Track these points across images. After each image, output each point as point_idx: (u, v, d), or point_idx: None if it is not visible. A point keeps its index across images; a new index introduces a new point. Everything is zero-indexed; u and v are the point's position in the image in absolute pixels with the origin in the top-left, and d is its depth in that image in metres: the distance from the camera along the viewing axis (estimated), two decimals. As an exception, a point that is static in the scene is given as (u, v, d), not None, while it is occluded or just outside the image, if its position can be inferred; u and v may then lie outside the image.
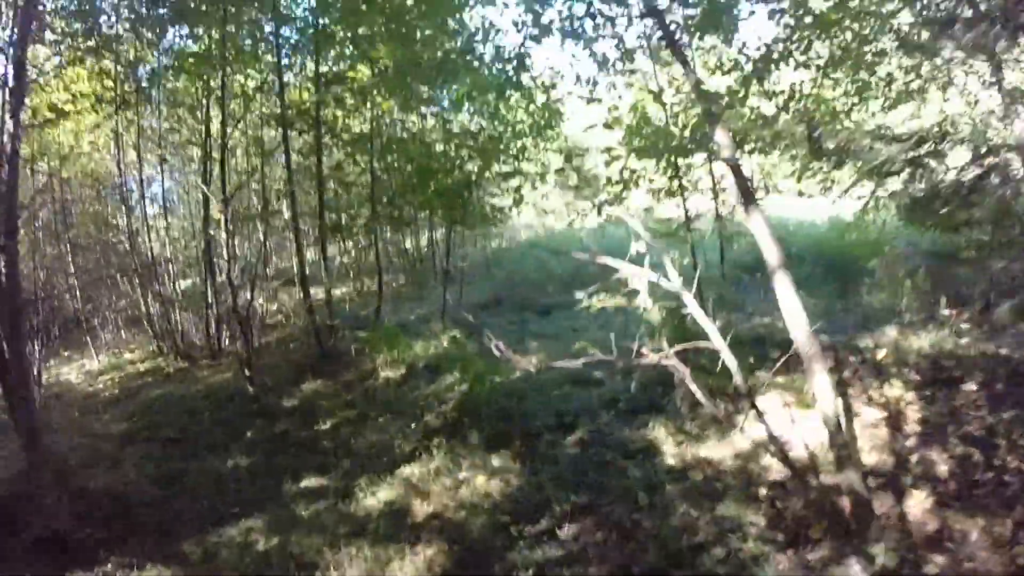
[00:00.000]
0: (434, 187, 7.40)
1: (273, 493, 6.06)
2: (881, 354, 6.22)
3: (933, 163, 5.36)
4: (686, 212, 9.74)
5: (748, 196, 4.49)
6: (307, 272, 9.35)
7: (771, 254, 4.39)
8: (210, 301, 10.02)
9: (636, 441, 6.14)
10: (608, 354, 5.57)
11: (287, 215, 9.37)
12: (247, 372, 7.93)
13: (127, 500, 5.96)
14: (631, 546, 4.85)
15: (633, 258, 5.26)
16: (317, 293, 10.30)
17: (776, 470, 5.29)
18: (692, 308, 4.95)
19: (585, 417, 6.74)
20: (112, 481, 6.37)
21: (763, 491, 5.11)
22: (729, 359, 4.80)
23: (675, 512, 5.08)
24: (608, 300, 5.25)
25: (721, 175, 9.44)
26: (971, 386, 5.65)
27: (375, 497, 5.79)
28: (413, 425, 7.08)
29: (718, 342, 4.76)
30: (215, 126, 9.40)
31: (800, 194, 9.46)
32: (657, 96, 8.95)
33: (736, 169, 4.67)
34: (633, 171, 9.10)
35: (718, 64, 8.15)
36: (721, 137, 4.71)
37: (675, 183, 9.44)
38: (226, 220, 7.68)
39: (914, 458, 5.16)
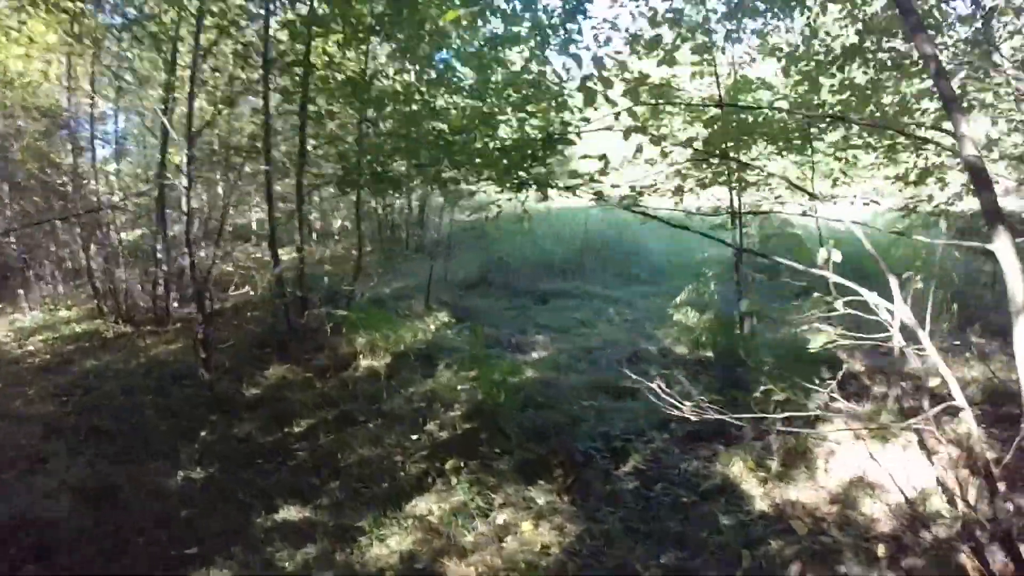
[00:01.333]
0: (498, 146, 5.85)
1: (240, 526, 4.40)
2: (934, 383, 4.95)
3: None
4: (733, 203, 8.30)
5: (995, 214, 2.99)
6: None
7: (1017, 291, 2.81)
8: (160, 258, 8.29)
9: (707, 476, 4.87)
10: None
11: (261, 166, 7.68)
12: (202, 353, 6.34)
13: (42, 530, 4.21)
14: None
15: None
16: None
17: (880, 518, 4.22)
18: (930, 352, 3.52)
19: (636, 440, 5.40)
20: (26, 495, 4.68)
21: (880, 548, 3.92)
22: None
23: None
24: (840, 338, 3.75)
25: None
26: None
27: (384, 545, 4.21)
28: (415, 437, 5.58)
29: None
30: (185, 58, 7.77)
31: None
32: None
33: (982, 175, 3.11)
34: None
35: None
36: (964, 128, 3.09)
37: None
38: (188, 163, 6.07)
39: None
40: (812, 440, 4.98)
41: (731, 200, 7.67)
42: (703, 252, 10.77)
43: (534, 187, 5.33)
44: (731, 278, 7.49)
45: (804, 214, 7.11)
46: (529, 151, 5.03)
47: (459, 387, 6.47)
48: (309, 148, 7.44)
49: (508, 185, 5.12)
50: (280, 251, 7.75)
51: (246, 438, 5.68)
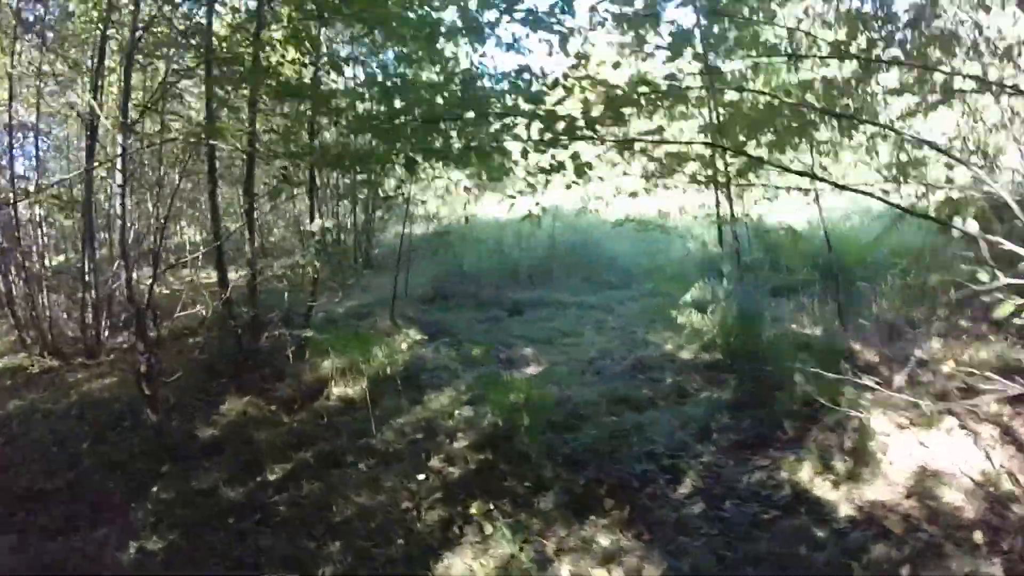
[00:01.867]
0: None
1: (224, 614, 3.36)
2: (948, 366, 5.16)
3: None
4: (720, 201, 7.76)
5: None
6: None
7: None
8: (88, 280, 6.91)
9: (776, 485, 4.27)
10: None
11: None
12: (146, 389, 5.11)
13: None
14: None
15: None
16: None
17: (961, 505, 3.88)
18: None
19: (685, 455, 4.68)
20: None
21: (977, 535, 3.59)
22: None
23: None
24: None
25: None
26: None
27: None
28: (421, 476, 4.59)
29: None
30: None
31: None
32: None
33: None
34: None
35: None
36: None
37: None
38: (122, 156, 4.85)
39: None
40: (866, 435, 4.56)
41: (729, 196, 7.26)
42: (669, 254, 10.36)
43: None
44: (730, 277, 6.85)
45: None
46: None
47: (456, 412, 5.55)
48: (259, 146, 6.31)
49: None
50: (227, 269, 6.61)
51: (210, 492, 4.50)
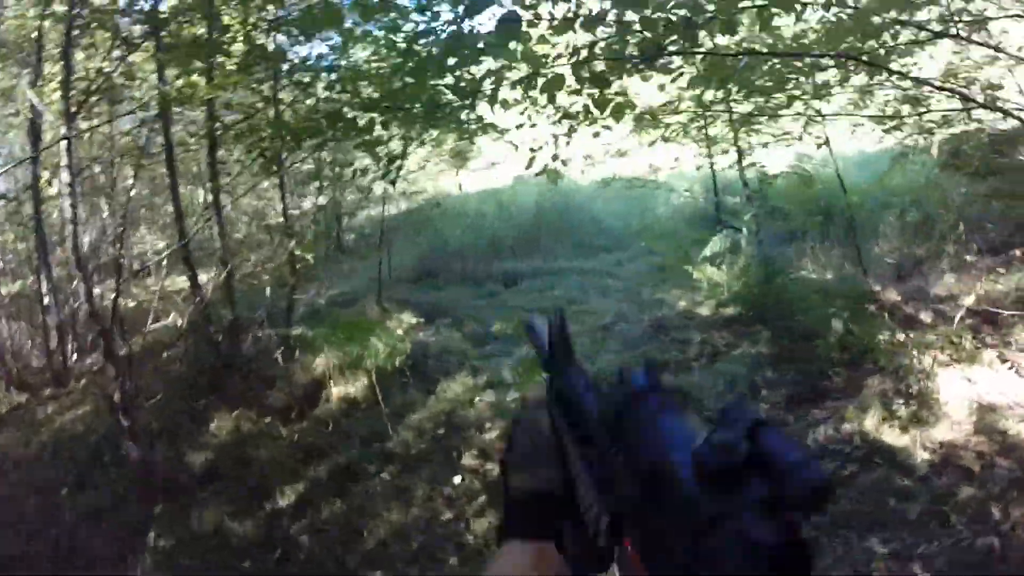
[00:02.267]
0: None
1: None
2: (969, 300, 5.09)
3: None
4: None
5: None
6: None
7: None
8: (47, 302, 6.00)
9: (845, 439, 4.01)
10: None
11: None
12: (123, 419, 4.35)
13: None
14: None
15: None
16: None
17: None
18: None
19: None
20: None
21: None
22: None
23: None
24: None
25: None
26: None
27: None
28: (458, 479, 4.03)
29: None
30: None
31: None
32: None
33: None
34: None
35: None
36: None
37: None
38: (68, 151, 4.05)
39: None
40: (920, 377, 4.37)
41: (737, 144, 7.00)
42: (655, 212, 9.95)
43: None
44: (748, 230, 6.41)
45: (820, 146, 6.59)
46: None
47: (477, 399, 4.98)
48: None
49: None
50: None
51: (215, 531, 3.86)
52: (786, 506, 0.42)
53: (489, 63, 3.65)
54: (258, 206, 8.39)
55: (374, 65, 4.71)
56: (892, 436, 3.96)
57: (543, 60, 3.36)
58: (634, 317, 6.36)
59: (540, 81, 3.33)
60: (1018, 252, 5.71)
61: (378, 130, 4.02)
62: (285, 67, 5.06)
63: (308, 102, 5.37)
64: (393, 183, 5.15)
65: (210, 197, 5.87)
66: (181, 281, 6.48)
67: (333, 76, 5.00)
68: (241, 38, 4.82)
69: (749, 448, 0.44)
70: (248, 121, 5.25)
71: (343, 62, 5.54)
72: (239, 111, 5.46)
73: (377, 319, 6.68)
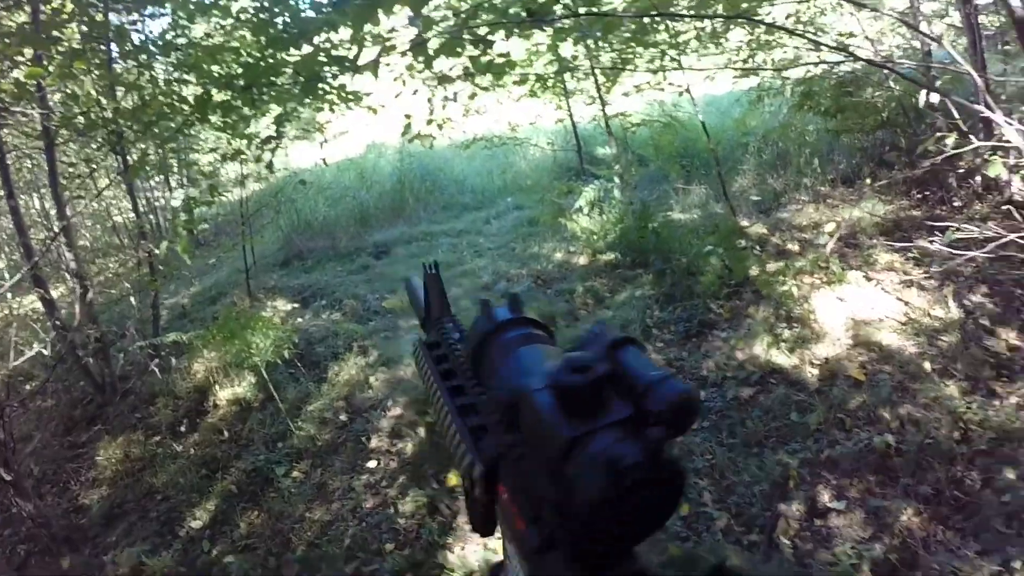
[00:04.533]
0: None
1: None
2: (831, 227, 5.46)
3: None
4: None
5: None
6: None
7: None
8: None
9: (738, 366, 4.30)
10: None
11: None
12: (2, 472, 3.85)
13: None
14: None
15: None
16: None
17: (900, 343, 4.16)
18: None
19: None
20: None
21: (926, 364, 3.89)
22: None
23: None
24: None
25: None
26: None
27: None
28: (373, 464, 3.94)
29: None
30: None
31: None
32: None
33: None
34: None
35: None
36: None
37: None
38: None
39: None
40: (796, 301, 4.73)
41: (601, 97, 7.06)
42: (517, 167, 10.09)
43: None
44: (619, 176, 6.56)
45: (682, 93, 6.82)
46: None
47: (371, 378, 4.88)
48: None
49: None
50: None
51: (135, 574, 3.61)
52: (649, 424, 0.42)
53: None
54: (98, 208, 7.74)
55: (225, 39, 4.44)
56: (781, 358, 4.27)
57: (433, 22, 3.27)
58: (513, 273, 6.41)
59: (434, 42, 3.24)
60: (868, 181, 6.12)
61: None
62: (127, 48, 4.65)
63: (149, 88, 4.98)
64: (270, 166, 4.86)
65: (47, 204, 5.34)
66: (28, 302, 5.93)
67: (178, 54, 4.66)
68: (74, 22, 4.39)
69: (607, 368, 0.44)
70: (90, 112, 4.80)
71: (182, 40, 5.17)
72: (78, 105, 4.98)
73: (251, 311, 6.39)
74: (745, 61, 6.74)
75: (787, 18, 6.31)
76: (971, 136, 4.28)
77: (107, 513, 4.12)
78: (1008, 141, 3.71)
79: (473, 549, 3.23)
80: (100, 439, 4.79)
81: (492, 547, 3.20)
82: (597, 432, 0.43)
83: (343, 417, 4.53)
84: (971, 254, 4.24)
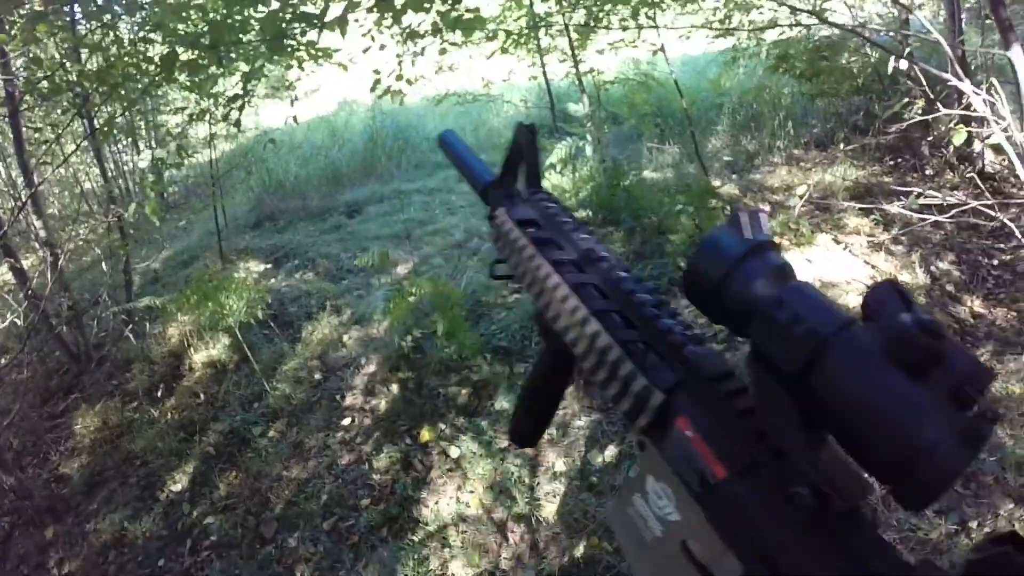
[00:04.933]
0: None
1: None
2: (802, 190, 5.58)
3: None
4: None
5: (1010, 27, 3.45)
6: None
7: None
8: None
9: (703, 320, 4.09)
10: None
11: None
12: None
13: None
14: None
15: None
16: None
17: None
18: None
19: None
20: None
21: None
22: None
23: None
24: None
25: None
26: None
27: None
28: (348, 421, 4.03)
29: None
30: None
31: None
32: None
33: None
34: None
35: None
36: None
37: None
38: None
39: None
40: None
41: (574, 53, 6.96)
42: (490, 125, 10.09)
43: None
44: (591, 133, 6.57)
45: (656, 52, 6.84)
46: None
47: (345, 337, 4.96)
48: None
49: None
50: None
51: (118, 540, 3.64)
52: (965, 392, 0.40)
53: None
54: (65, 174, 7.65)
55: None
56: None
57: None
58: (486, 231, 6.43)
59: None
60: (841, 145, 6.24)
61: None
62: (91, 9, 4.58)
63: (114, 49, 4.90)
64: (237, 124, 4.84)
65: (14, 173, 5.29)
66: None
67: (143, 13, 4.59)
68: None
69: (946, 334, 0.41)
70: (55, 76, 4.73)
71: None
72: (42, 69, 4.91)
73: (224, 273, 6.39)
74: (722, 21, 6.76)
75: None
76: (938, 104, 4.39)
77: (88, 481, 4.18)
78: (975, 111, 3.81)
79: (446, 503, 3.34)
80: (77, 408, 4.82)
81: (464, 500, 3.32)
82: (944, 400, 0.40)
83: (317, 376, 4.60)
84: (933, 219, 4.39)
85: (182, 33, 4.21)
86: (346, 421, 4.09)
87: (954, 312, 4.10)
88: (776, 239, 4.42)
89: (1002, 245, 4.55)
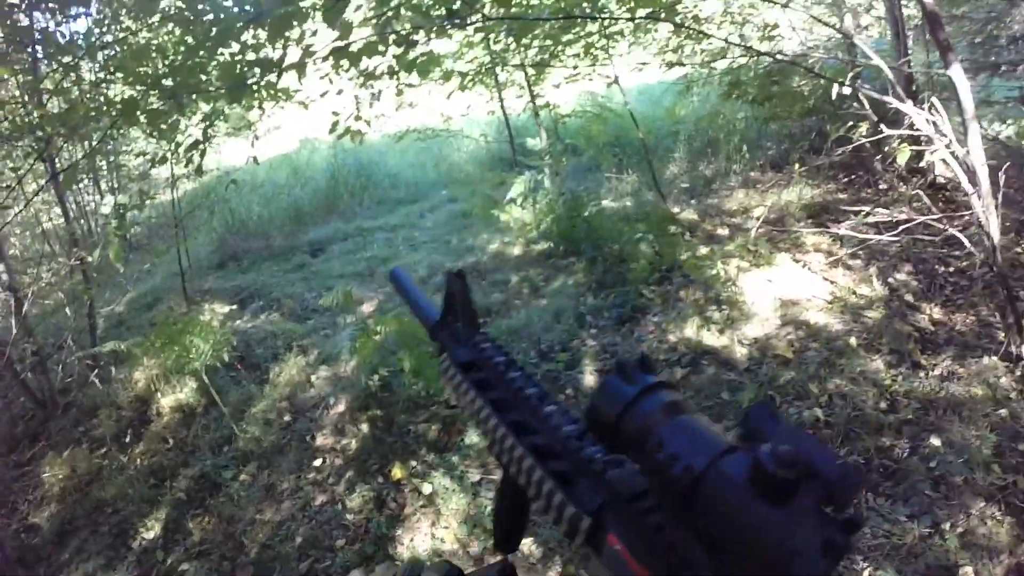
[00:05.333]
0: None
1: None
2: (760, 212, 5.78)
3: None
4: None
5: (948, 47, 3.61)
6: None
7: (968, 104, 3.57)
8: None
9: (670, 348, 4.48)
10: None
11: None
12: None
13: None
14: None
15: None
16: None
17: (829, 322, 4.40)
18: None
19: (572, 347, 4.72)
20: None
21: (852, 341, 4.11)
22: None
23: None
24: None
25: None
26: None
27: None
28: (319, 462, 4.08)
29: None
30: None
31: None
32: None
33: (936, 17, 3.72)
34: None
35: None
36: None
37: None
38: None
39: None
40: (725, 284, 4.94)
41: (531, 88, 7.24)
42: (450, 160, 10.22)
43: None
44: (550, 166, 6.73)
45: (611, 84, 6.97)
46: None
47: (313, 377, 5.02)
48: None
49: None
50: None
51: None
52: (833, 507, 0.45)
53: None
54: (27, 215, 7.59)
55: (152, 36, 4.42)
56: (712, 339, 4.47)
57: (352, 27, 3.35)
58: (449, 266, 6.52)
59: (354, 47, 3.35)
60: (796, 166, 6.41)
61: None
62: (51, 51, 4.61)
63: (75, 90, 4.95)
64: (199, 170, 4.90)
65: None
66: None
67: (105, 54, 4.62)
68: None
69: (807, 464, 0.45)
70: (15, 118, 4.76)
71: (109, 37, 5.14)
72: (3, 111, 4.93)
73: (189, 315, 6.39)
74: (674, 51, 6.96)
75: (719, 16, 6.63)
76: (882, 126, 4.60)
77: (58, 531, 4.16)
78: (919, 129, 4.02)
79: (421, 540, 3.40)
80: (44, 456, 4.79)
81: (439, 536, 3.39)
82: (804, 517, 0.44)
83: (287, 418, 4.64)
84: (878, 238, 4.57)
85: (144, 75, 4.27)
86: (317, 462, 4.13)
87: (914, 321, 4.24)
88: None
89: (957, 252, 4.69)
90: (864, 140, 5.19)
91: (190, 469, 4.33)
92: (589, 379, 4.32)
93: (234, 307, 6.50)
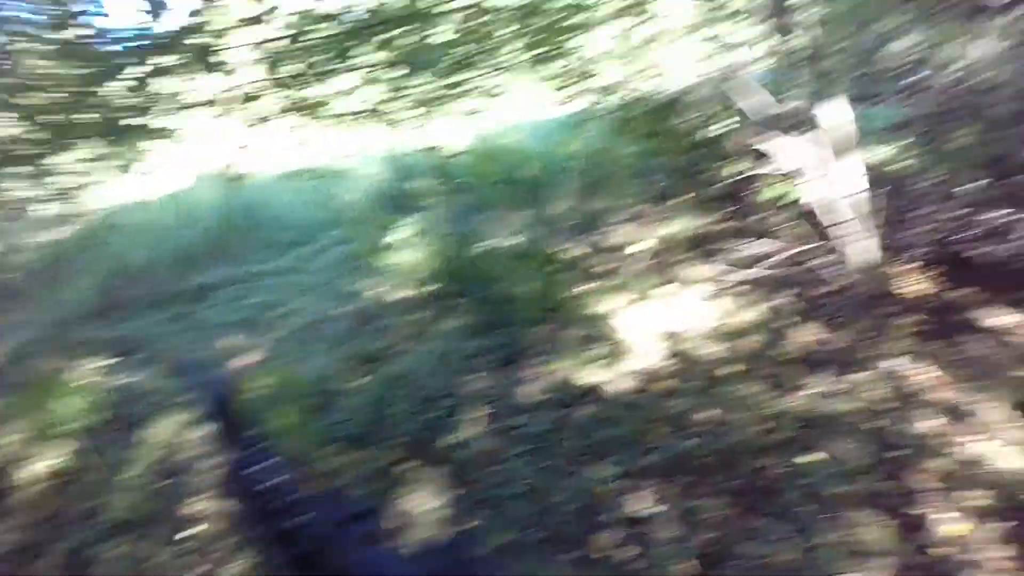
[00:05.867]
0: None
1: None
2: (643, 245, 5.97)
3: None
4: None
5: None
6: None
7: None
8: None
9: (556, 388, 4.54)
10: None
11: None
12: None
13: None
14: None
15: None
16: None
17: (716, 350, 4.55)
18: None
19: (457, 391, 4.75)
20: None
21: (756, 370, 4.26)
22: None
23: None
24: None
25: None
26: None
27: None
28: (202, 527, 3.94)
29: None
30: None
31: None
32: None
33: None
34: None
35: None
36: None
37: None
38: None
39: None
40: (604, 321, 5.08)
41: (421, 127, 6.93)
42: (342, 200, 10.04)
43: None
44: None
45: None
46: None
47: (192, 435, 4.85)
48: None
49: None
50: None
51: None
52: None
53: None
54: None
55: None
56: (594, 376, 4.55)
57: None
58: (338, 312, 6.50)
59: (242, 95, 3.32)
60: (681, 200, 6.59)
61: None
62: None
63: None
64: (76, 217, 4.70)
65: None
66: None
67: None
68: None
69: None
70: None
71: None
72: None
73: (66, 370, 6.10)
74: (567, 87, 7.04)
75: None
76: (753, 161, 4.82)
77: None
78: (782, 168, 4.25)
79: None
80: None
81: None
82: None
83: (167, 481, 4.46)
84: (756, 268, 4.78)
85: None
86: (196, 528, 3.99)
87: (793, 344, 4.41)
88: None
89: (839, 273, 4.86)
90: (737, 177, 5.42)
91: (65, 543, 4.07)
92: (470, 427, 4.34)
93: (115, 359, 6.24)
